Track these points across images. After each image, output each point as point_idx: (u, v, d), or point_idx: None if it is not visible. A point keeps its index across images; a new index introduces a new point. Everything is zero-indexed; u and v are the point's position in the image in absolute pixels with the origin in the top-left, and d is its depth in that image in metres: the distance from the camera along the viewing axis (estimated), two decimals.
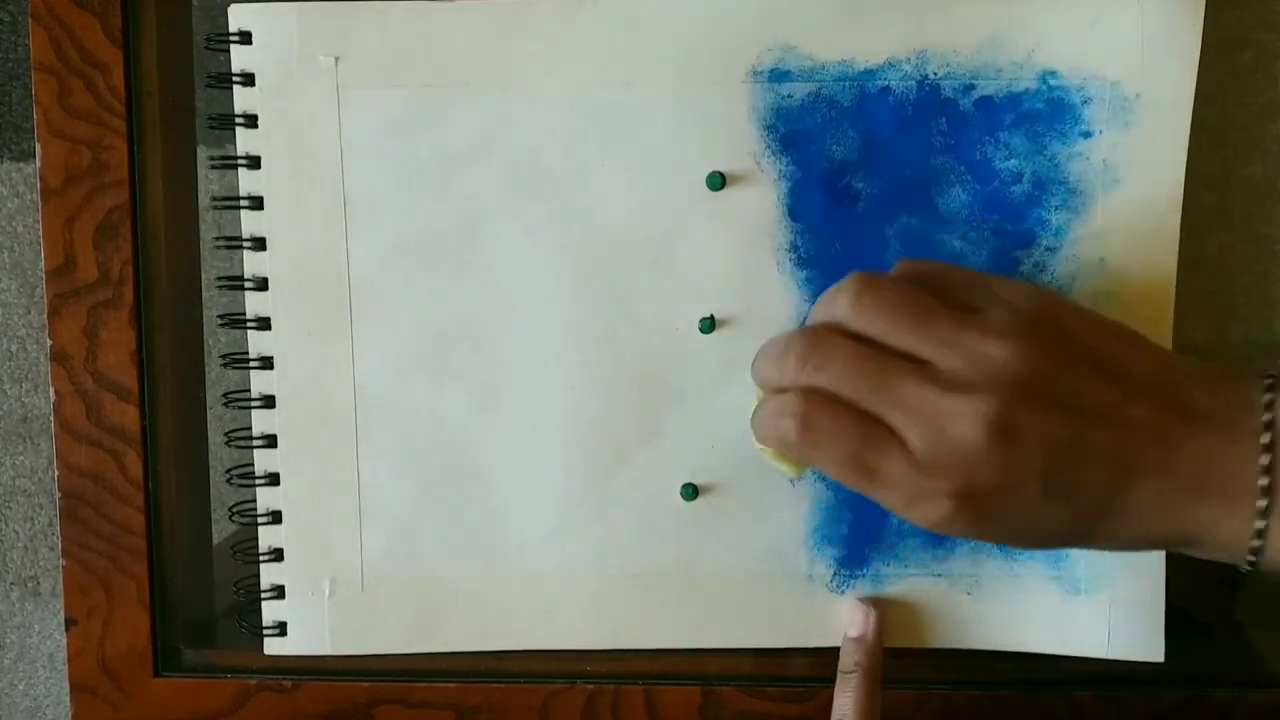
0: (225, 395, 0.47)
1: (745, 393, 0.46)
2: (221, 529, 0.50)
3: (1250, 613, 0.50)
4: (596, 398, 0.46)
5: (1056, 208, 0.44)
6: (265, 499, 0.47)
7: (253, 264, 0.46)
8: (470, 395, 0.46)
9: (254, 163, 0.46)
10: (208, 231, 0.49)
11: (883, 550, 0.47)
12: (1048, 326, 0.35)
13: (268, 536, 0.47)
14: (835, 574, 0.47)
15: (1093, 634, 0.46)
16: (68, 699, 0.49)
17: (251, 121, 0.46)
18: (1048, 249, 0.45)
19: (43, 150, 0.46)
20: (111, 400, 0.48)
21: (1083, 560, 0.46)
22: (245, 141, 0.46)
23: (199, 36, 0.48)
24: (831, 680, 0.45)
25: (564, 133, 0.45)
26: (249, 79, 0.45)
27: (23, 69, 0.53)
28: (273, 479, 0.47)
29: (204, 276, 0.49)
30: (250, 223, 0.46)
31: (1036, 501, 0.34)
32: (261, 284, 0.46)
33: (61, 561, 0.48)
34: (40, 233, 0.47)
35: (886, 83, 0.44)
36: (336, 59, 0.45)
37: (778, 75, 0.45)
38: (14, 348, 0.55)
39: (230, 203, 0.46)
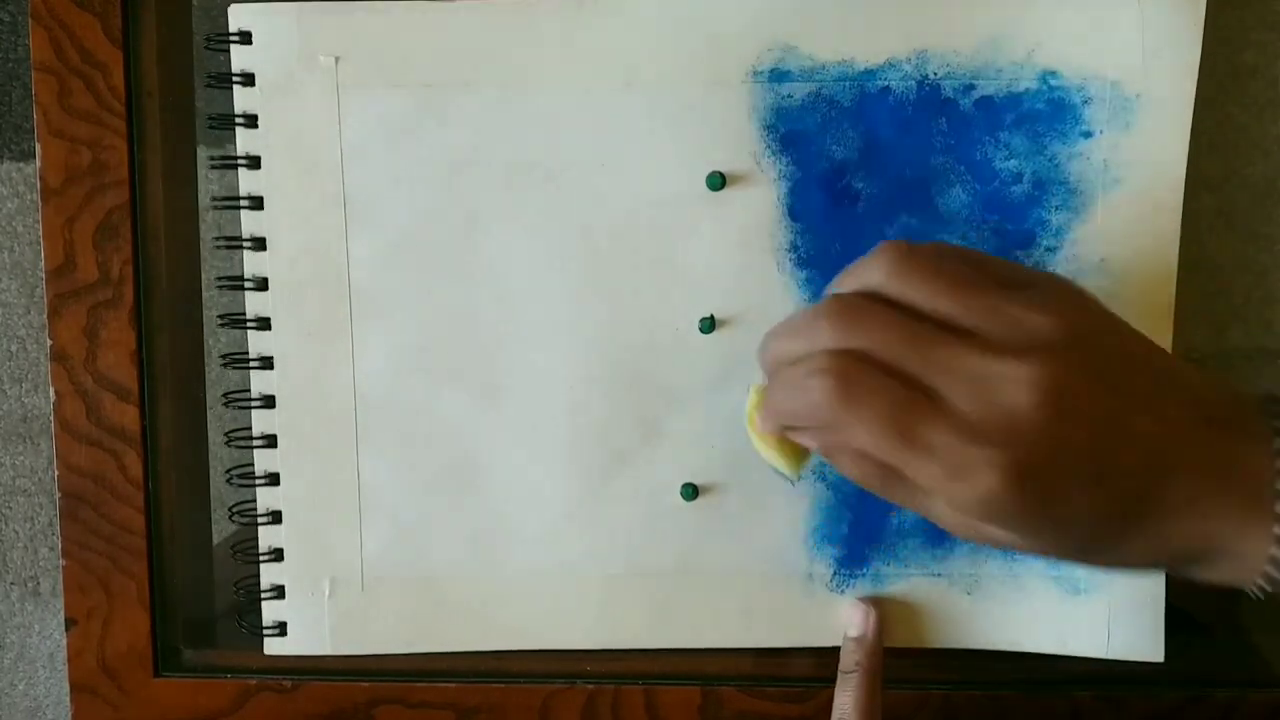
0: (225, 395, 0.47)
1: (744, 392, 0.46)
2: (221, 529, 0.50)
3: (1250, 613, 0.50)
4: (596, 397, 0.46)
5: (1057, 208, 0.44)
6: (265, 499, 0.47)
7: (253, 264, 0.46)
8: (470, 395, 0.46)
9: (254, 163, 0.46)
10: (208, 231, 0.49)
11: (883, 550, 0.47)
12: (1086, 311, 0.34)
13: (268, 536, 0.47)
14: (835, 573, 0.47)
15: (1093, 634, 0.46)
16: (68, 699, 0.49)
17: (251, 121, 0.46)
18: (1048, 249, 0.45)
19: (43, 150, 0.46)
20: (111, 400, 0.47)
21: None
22: (245, 141, 0.46)
23: (199, 36, 0.48)
24: (831, 680, 0.45)
25: (564, 133, 0.45)
26: (249, 79, 0.45)
27: (23, 69, 0.53)
28: (273, 479, 0.47)
29: (204, 276, 0.49)
30: (250, 223, 0.46)
31: (1080, 485, 0.32)
32: (261, 284, 0.46)
33: (61, 561, 0.48)
34: (40, 233, 0.47)
35: (886, 83, 0.44)
36: (336, 59, 0.45)
37: (778, 75, 0.45)
38: (14, 348, 0.55)
39: (230, 203, 0.46)
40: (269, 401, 0.47)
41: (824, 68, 0.44)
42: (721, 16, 0.44)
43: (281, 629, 0.48)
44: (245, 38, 0.45)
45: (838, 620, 0.47)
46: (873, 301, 0.33)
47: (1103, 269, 0.44)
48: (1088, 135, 0.44)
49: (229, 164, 0.46)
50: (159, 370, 0.48)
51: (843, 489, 0.46)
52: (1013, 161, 0.44)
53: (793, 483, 0.46)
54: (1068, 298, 0.34)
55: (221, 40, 0.45)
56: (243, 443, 0.47)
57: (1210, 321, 0.49)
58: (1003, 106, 0.44)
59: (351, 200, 0.46)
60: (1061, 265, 0.45)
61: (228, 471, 0.47)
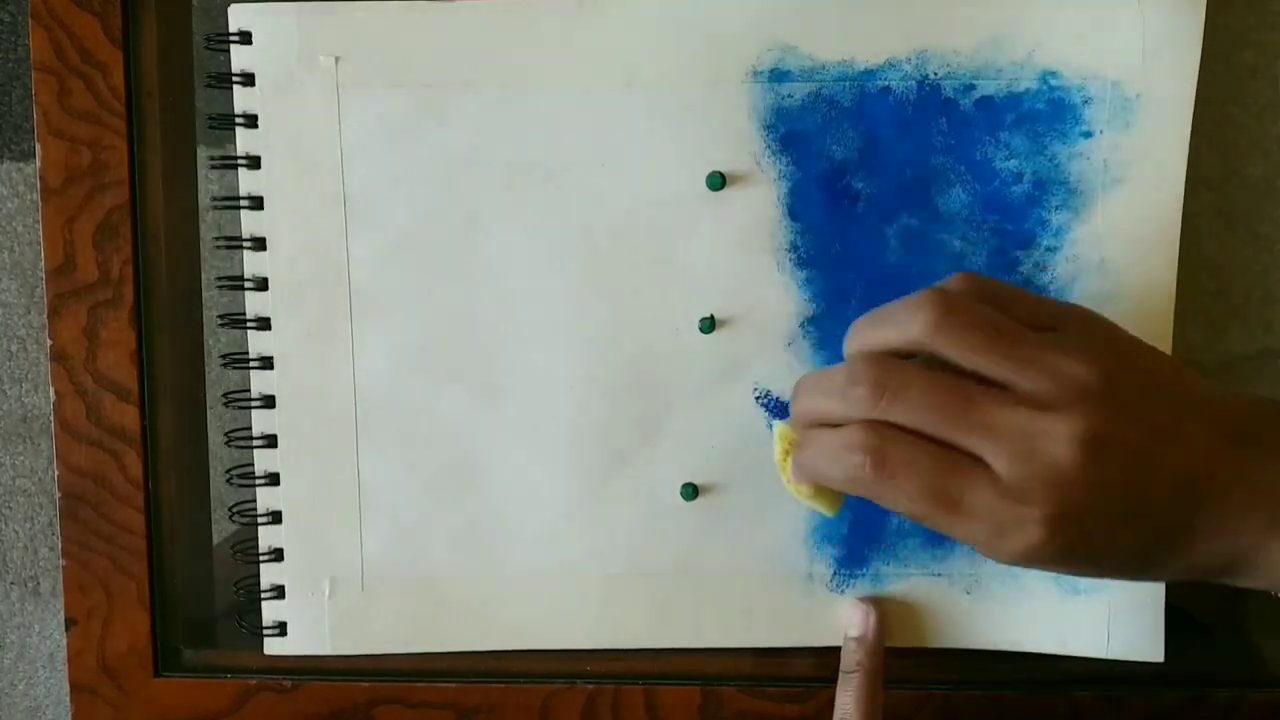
0: (225, 395, 0.47)
1: (744, 392, 0.46)
2: (221, 529, 0.50)
3: (1250, 613, 0.50)
4: (596, 397, 0.46)
5: (1057, 208, 0.44)
6: (265, 499, 0.47)
7: (253, 264, 0.46)
8: (470, 395, 0.46)
9: (254, 163, 0.46)
10: (208, 231, 0.49)
11: (882, 550, 0.47)
12: (1113, 345, 0.35)
13: (268, 536, 0.47)
14: (835, 573, 0.47)
15: (1092, 634, 0.46)
16: (68, 699, 0.49)
17: (251, 121, 0.46)
18: (1048, 249, 0.45)
19: (43, 150, 0.46)
20: (111, 400, 0.47)
21: None
22: (245, 141, 0.46)
23: (199, 36, 0.48)
24: (831, 680, 0.45)
25: (564, 133, 0.45)
26: (249, 79, 0.45)
27: (23, 69, 0.53)
28: (273, 479, 0.47)
29: (204, 276, 0.49)
30: (250, 223, 0.46)
31: (1117, 523, 0.33)
32: (261, 284, 0.46)
33: (61, 561, 0.48)
34: (40, 233, 0.47)
35: (887, 83, 0.44)
36: (336, 59, 0.45)
37: (778, 75, 0.45)
38: (14, 348, 0.55)
39: (230, 203, 0.46)
40: (269, 401, 0.47)
41: (824, 68, 0.44)
42: (721, 16, 0.44)
43: (281, 629, 0.48)
44: (245, 38, 0.45)
45: (838, 620, 0.47)
46: (908, 367, 0.34)
47: (1103, 269, 0.44)
48: (1088, 135, 0.44)
49: (229, 164, 0.46)
50: (159, 370, 0.48)
51: None
52: (1013, 161, 0.44)
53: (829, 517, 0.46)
54: (1096, 335, 0.35)
55: (221, 40, 0.45)
56: (243, 443, 0.47)
57: (1210, 321, 0.49)
58: (1003, 106, 0.44)
59: (351, 200, 0.46)
60: (1061, 265, 0.45)
61: (228, 471, 0.47)
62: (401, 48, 0.45)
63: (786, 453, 0.38)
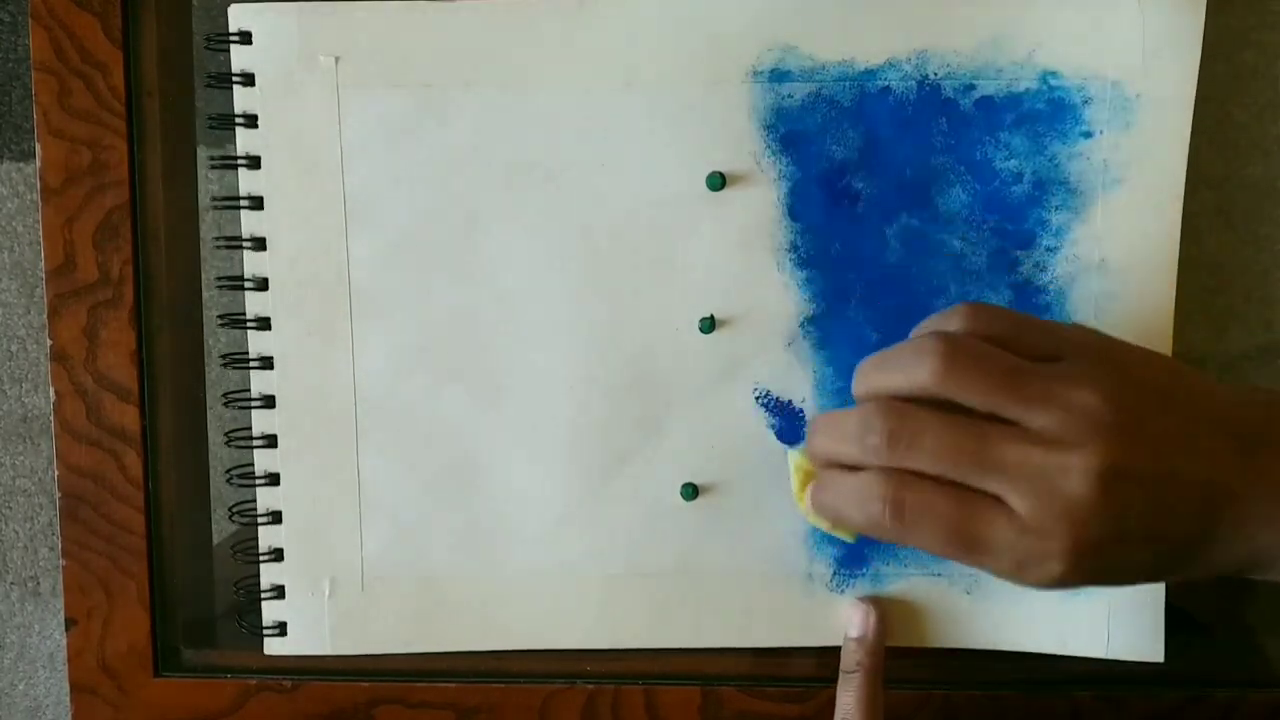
0: (225, 395, 0.47)
1: (744, 392, 0.46)
2: (221, 529, 0.50)
3: (1250, 613, 0.50)
4: (596, 397, 0.46)
5: (1057, 208, 0.44)
6: (265, 499, 0.47)
7: (253, 264, 0.46)
8: (470, 395, 0.46)
9: (254, 163, 0.46)
10: (208, 231, 0.49)
11: (882, 550, 0.47)
12: (1119, 367, 0.35)
13: (268, 536, 0.47)
14: (835, 573, 0.47)
15: (1092, 634, 0.46)
16: (68, 699, 0.49)
17: (251, 121, 0.46)
18: (1048, 249, 0.45)
19: (43, 150, 0.46)
20: (111, 400, 0.47)
21: None
22: (245, 141, 0.46)
23: (199, 36, 0.48)
24: (831, 680, 0.45)
25: (564, 133, 0.45)
26: (249, 79, 0.45)
27: (23, 69, 0.53)
28: (273, 479, 0.47)
29: (204, 276, 0.49)
30: (250, 223, 0.46)
31: (1139, 546, 0.33)
32: (261, 284, 0.46)
33: (61, 561, 0.48)
34: (40, 233, 0.47)
35: (887, 83, 0.44)
36: (336, 59, 0.45)
37: (778, 75, 0.45)
38: (14, 348, 0.55)
39: (230, 203, 0.46)
40: (269, 401, 0.47)
41: (824, 68, 0.44)
42: (721, 16, 0.44)
43: (281, 629, 0.48)
44: (245, 38, 0.45)
45: (838, 620, 0.47)
46: (921, 413, 0.34)
47: (1103, 269, 0.44)
48: (1088, 135, 0.44)
49: (229, 164, 0.46)
50: (159, 370, 0.48)
51: None
52: (1013, 161, 0.44)
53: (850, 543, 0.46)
54: (1102, 359, 0.35)
55: (221, 40, 0.45)
56: (243, 443, 0.47)
57: (1210, 321, 0.49)
58: (1003, 106, 0.44)
59: (351, 200, 0.46)
60: (1061, 265, 0.45)
61: (228, 471, 0.47)
62: (401, 48, 0.45)
63: (803, 484, 0.39)
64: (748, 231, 0.45)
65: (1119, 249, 0.44)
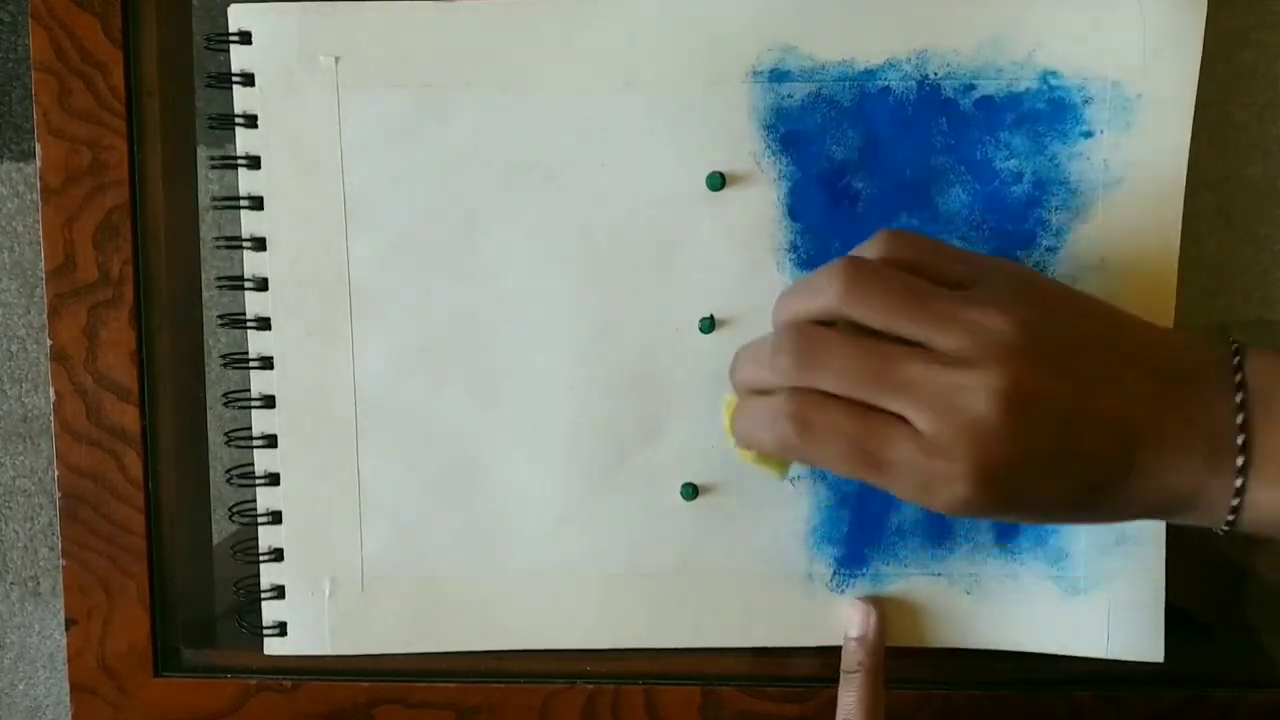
0: (225, 395, 0.47)
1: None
2: (221, 529, 0.50)
3: (1250, 613, 0.50)
4: (597, 397, 0.46)
5: (1057, 208, 0.44)
6: (265, 499, 0.47)
7: (253, 264, 0.46)
8: (470, 395, 0.46)
9: (254, 163, 0.46)
10: (208, 231, 0.49)
11: (882, 550, 0.47)
12: (1035, 298, 0.35)
13: (268, 536, 0.47)
14: (835, 573, 0.47)
15: (1092, 634, 0.46)
16: (68, 699, 0.49)
17: (251, 121, 0.46)
18: (1048, 249, 0.45)
19: (43, 150, 0.46)
20: (111, 400, 0.47)
21: (1082, 560, 0.46)
22: (245, 141, 0.46)
23: (199, 36, 0.47)
24: (831, 680, 0.45)
25: (564, 133, 0.45)
26: (249, 79, 0.45)
27: (23, 69, 0.53)
28: (273, 479, 0.47)
29: (204, 276, 0.49)
30: (250, 223, 0.46)
31: (1048, 474, 0.33)
32: (261, 284, 0.46)
33: (61, 561, 0.48)
34: (40, 233, 0.47)
35: (887, 83, 0.44)
36: (336, 59, 0.45)
37: (778, 75, 0.45)
38: (14, 348, 0.55)
39: (230, 203, 0.46)
40: (269, 401, 0.47)
41: (824, 68, 0.44)
42: (721, 16, 0.44)
43: (281, 629, 0.48)
44: (245, 38, 0.45)
45: (838, 620, 0.47)
46: (827, 334, 0.34)
47: (1103, 269, 0.44)
48: (1088, 135, 0.44)
49: (229, 164, 0.46)
50: (159, 370, 0.48)
51: (842, 489, 0.46)
52: (1013, 161, 0.44)
53: (793, 483, 0.46)
54: (1017, 287, 0.35)
55: (221, 40, 0.45)
56: (243, 443, 0.47)
57: (1210, 321, 0.49)
58: (1003, 106, 0.44)
59: (351, 200, 0.46)
60: (1061, 265, 0.45)
61: (228, 471, 0.47)
62: (401, 48, 0.45)
63: (732, 422, 0.38)
64: (748, 231, 0.45)
65: (1119, 249, 0.44)
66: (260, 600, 0.48)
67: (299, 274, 0.46)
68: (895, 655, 0.46)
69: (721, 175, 0.45)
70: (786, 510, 0.46)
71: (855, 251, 0.37)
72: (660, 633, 0.47)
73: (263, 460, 0.47)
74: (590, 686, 0.48)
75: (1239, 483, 0.33)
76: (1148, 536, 0.45)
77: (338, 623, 0.48)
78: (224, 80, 0.45)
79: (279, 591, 0.48)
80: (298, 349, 0.46)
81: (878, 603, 0.46)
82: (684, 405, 0.46)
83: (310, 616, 0.48)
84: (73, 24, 0.46)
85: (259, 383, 0.47)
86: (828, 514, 0.46)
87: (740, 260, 0.45)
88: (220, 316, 0.47)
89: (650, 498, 0.47)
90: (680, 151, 0.45)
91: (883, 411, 0.34)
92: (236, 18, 0.45)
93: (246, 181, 0.46)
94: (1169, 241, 0.44)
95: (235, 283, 0.46)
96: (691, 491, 0.46)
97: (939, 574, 0.47)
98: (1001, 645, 0.47)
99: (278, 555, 0.47)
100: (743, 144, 0.45)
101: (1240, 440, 0.33)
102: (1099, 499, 0.34)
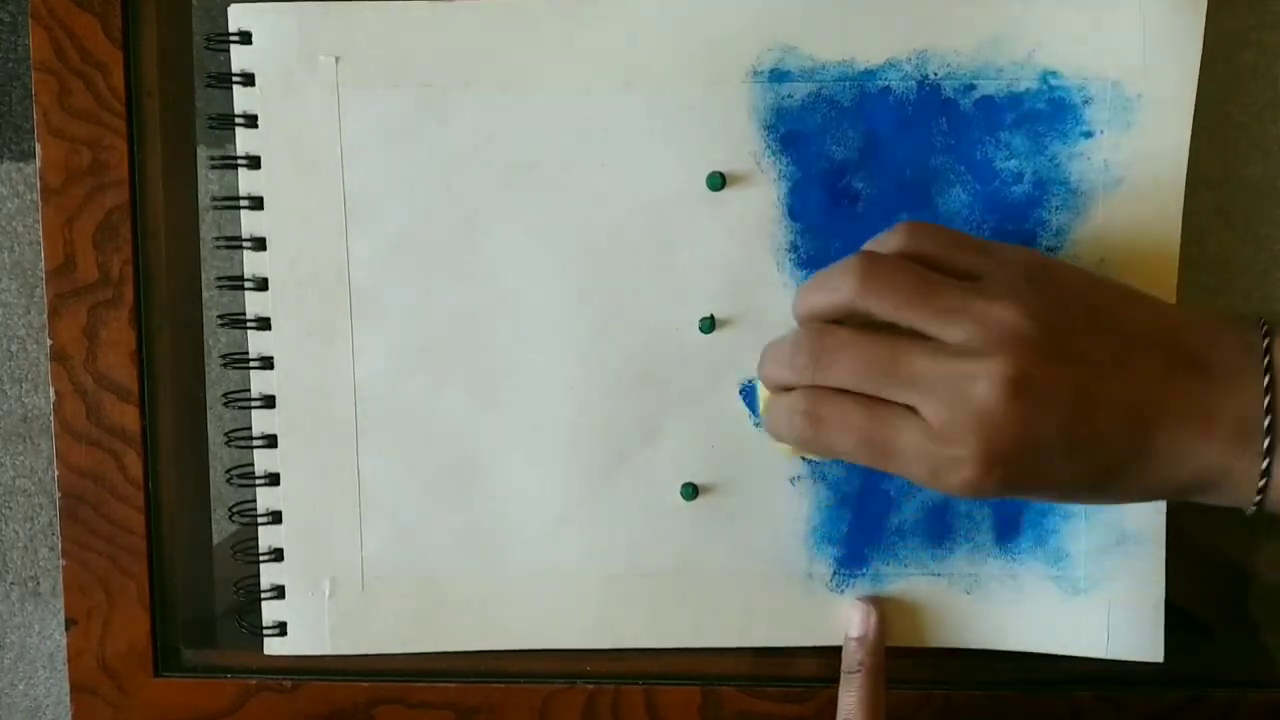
0: (225, 395, 0.47)
1: (751, 392, 0.46)
2: (221, 529, 0.50)
3: (1250, 613, 0.50)
4: (596, 397, 0.46)
5: (1057, 208, 0.44)
6: (265, 499, 0.47)
7: (253, 264, 0.46)
8: (470, 395, 0.46)
9: (254, 163, 0.46)
10: (208, 231, 0.49)
11: (882, 550, 0.47)
12: (1049, 286, 0.35)
13: (268, 536, 0.47)
14: (835, 573, 0.47)
15: (1092, 634, 0.46)
16: (68, 699, 0.49)
17: (251, 121, 0.46)
18: (1048, 249, 0.45)
19: (43, 150, 0.46)
20: (111, 400, 0.47)
21: (1082, 560, 0.46)
22: (245, 141, 0.46)
23: (199, 36, 0.47)
24: (831, 680, 0.45)
25: (564, 133, 0.45)
26: (249, 79, 0.45)
27: (23, 69, 0.53)
28: (273, 479, 0.47)
29: (204, 276, 0.49)
30: (250, 223, 0.46)
31: (1059, 457, 0.34)
32: (261, 284, 0.46)
33: (61, 561, 0.48)
34: (40, 233, 0.47)
35: (887, 83, 0.44)
36: (336, 59, 0.45)
37: (778, 75, 0.45)
38: (14, 348, 0.55)
39: (230, 203, 0.46)
40: (269, 401, 0.47)
41: (824, 68, 0.44)
42: (721, 16, 0.44)
43: (281, 629, 0.48)
44: (245, 38, 0.45)
45: (838, 620, 0.47)
46: (840, 332, 0.36)
47: (1103, 269, 0.44)
48: (1088, 135, 0.44)
49: (229, 164, 0.46)
50: (159, 370, 0.48)
51: (842, 489, 0.46)
52: (1013, 161, 0.44)
53: (814, 464, 0.46)
54: (1034, 276, 0.36)
55: (221, 40, 0.45)
56: (243, 443, 0.47)
57: None
58: (1003, 106, 0.44)
59: (351, 200, 0.46)
60: None
61: (228, 471, 0.47)
62: (401, 48, 0.45)
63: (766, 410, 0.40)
64: (748, 231, 0.45)
65: (1119, 249, 0.44)
66: (260, 600, 0.48)
67: (299, 274, 0.46)
68: (895, 655, 0.46)
69: (721, 175, 0.45)
70: (786, 510, 0.46)
71: (874, 241, 0.38)
72: (660, 633, 0.47)
73: (263, 460, 0.47)
74: (590, 686, 0.48)
75: (1265, 464, 0.34)
76: (1148, 536, 0.45)
77: (338, 623, 0.48)
78: (224, 80, 0.45)
79: (279, 591, 0.48)
80: (298, 349, 0.46)
81: (878, 603, 0.46)
82: (684, 405, 0.46)
83: (310, 616, 0.48)
84: (73, 24, 0.46)
85: (259, 383, 0.47)
86: (828, 514, 0.46)
87: (740, 260, 0.45)
88: (220, 316, 0.47)
89: (650, 498, 0.47)
90: (680, 151, 0.45)
91: (892, 403, 0.35)
92: (236, 18, 0.45)
93: (246, 181, 0.46)
94: (1169, 241, 0.44)
95: (235, 283, 0.46)
96: (691, 491, 0.46)
97: (939, 574, 0.47)
98: (1001, 645, 0.47)
99: (278, 555, 0.47)
100: (743, 144, 0.45)
101: (1267, 421, 0.34)
102: (1116, 480, 0.35)
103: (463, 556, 0.47)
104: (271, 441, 0.47)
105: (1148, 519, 0.45)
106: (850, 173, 0.45)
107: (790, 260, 0.45)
